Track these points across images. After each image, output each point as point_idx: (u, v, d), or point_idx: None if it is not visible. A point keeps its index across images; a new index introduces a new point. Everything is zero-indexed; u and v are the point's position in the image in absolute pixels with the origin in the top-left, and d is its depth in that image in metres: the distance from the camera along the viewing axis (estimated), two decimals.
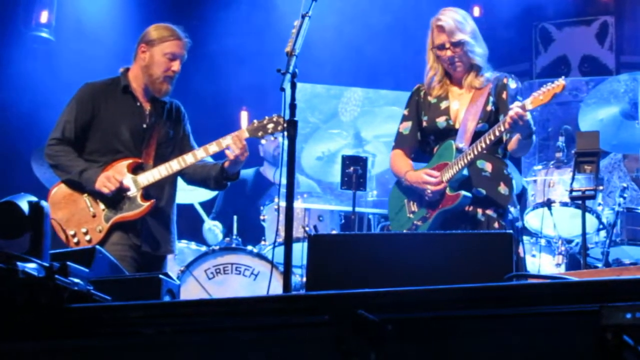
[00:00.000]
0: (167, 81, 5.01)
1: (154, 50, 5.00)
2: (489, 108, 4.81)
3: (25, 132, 7.37)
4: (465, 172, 4.70)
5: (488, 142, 4.59)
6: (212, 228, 6.91)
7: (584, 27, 8.81)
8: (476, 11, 8.39)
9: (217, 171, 5.06)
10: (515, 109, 4.47)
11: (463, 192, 4.68)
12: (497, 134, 4.58)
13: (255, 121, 5.01)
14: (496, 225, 4.70)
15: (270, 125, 4.96)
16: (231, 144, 4.90)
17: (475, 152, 4.62)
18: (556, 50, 8.89)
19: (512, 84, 4.85)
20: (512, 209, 4.75)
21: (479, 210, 4.72)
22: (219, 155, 5.04)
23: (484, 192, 4.73)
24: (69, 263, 2.65)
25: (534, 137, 4.68)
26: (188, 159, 4.98)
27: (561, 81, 4.48)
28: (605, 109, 6.45)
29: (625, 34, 8.75)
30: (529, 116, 4.50)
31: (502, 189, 4.75)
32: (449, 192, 4.71)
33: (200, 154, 4.98)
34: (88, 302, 2.65)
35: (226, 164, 5.00)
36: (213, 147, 4.96)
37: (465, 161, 4.64)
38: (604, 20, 8.76)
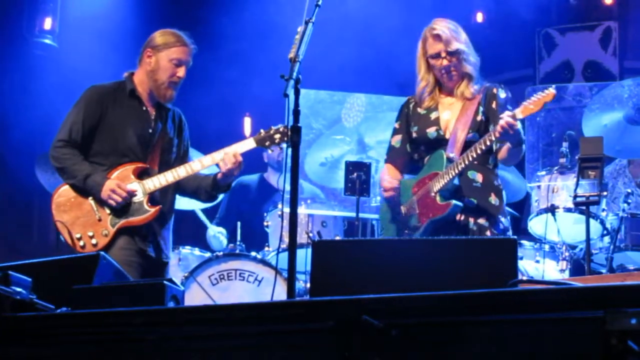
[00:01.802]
0: (171, 87, 5.02)
1: (160, 56, 5.01)
2: (479, 118, 4.85)
3: (28, 139, 7.37)
4: (456, 181, 4.72)
5: (479, 151, 4.62)
6: (217, 235, 6.89)
7: (587, 33, 8.81)
8: (479, 17, 8.39)
9: (208, 183, 5.08)
10: (505, 117, 4.48)
11: (454, 201, 4.71)
12: (488, 143, 4.60)
13: (262, 130, 5.01)
14: (488, 233, 4.73)
15: (277, 136, 4.96)
16: (227, 158, 4.89)
17: (466, 162, 4.64)
18: (559, 55, 8.89)
19: (502, 94, 4.88)
20: (502, 219, 4.79)
21: (471, 220, 4.75)
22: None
23: (475, 201, 4.76)
24: (11, 272, 2.63)
25: (523, 145, 4.72)
26: (195, 166, 4.98)
27: (551, 90, 4.50)
28: (609, 114, 6.45)
29: (628, 39, 8.75)
30: (519, 125, 4.51)
31: (493, 199, 4.78)
32: (440, 202, 4.73)
33: (206, 162, 4.99)
34: (31, 311, 2.64)
35: (219, 176, 5.01)
36: (219, 155, 4.96)
37: (456, 170, 4.67)
38: (608, 25, 8.75)
